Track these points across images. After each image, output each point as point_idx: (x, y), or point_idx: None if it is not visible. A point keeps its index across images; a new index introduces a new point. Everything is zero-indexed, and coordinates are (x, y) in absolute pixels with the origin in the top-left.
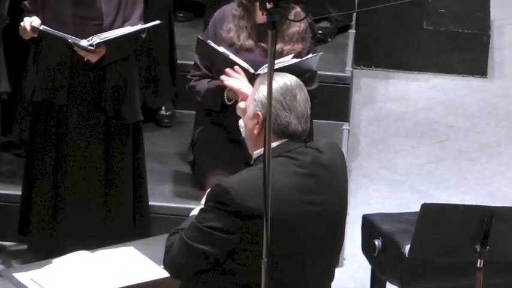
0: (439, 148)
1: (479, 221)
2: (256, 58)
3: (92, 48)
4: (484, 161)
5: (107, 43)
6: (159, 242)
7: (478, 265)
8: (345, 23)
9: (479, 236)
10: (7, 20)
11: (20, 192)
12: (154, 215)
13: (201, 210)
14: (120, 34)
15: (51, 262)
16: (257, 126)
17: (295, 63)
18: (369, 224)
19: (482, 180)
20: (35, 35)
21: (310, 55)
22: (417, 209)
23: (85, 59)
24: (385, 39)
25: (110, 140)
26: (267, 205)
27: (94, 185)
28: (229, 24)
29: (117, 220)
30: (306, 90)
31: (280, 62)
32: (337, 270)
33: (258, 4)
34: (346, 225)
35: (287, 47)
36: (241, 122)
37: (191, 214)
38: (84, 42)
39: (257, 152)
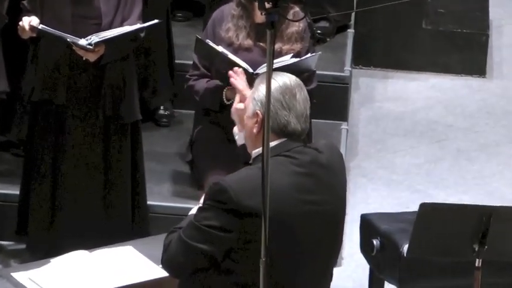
0: (438, 148)
1: (478, 221)
2: (255, 58)
3: (91, 47)
4: (483, 161)
5: (106, 42)
6: (158, 242)
7: (477, 264)
8: (343, 23)
9: (477, 235)
10: (6, 20)
11: (18, 192)
12: (153, 214)
13: (199, 209)
14: (119, 33)
15: (49, 262)
16: (256, 125)
17: (294, 62)
18: (367, 224)
19: (481, 179)
20: (34, 35)
21: (309, 55)
22: (416, 208)
23: (84, 59)
24: (384, 38)
25: (109, 139)
26: (265, 204)
27: (92, 185)
28: (228, 24)
29: (115, 219)
30: (305, 90)
31: (279, 62)
32: (336, 270)
33: (256, 4)
34: (345, 224)
35: (286, 47)
36: (235, 130)
37: (190, 213)
38: (82, 42)
39: (256, 151)
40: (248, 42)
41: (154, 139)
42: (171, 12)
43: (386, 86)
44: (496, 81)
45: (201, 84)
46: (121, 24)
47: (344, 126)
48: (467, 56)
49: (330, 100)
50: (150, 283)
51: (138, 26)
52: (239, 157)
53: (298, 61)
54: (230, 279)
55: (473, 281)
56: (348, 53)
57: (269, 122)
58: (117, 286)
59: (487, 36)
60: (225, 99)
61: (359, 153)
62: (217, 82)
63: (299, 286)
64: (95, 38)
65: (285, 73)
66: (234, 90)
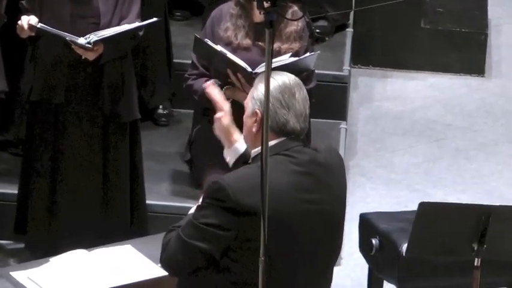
0: (437, 147)
1: (477, 220)
2: (253, 57)
3: (90, 46)
4: (482, 160)
5: (105, 41)
6: (157, 241)
7: (476, 264)
8: (342, 22)
9: (476, 234)
10: (4, 19)
11: (16, 191)
12: (152, 213)
13: (198, 208)
14: (118, 32)
15: (48, 261)
16: (255, 124)
17: (293, 62)
18: (366, 223)
19: (479, 179)
20: (33, 34)
21: (307, 54)
22: (414, 207)
23: (83, 57)
24: (383, 38)
25: (107, 138)
26: (264, 203)
27: (91, 184)
28: (227, 23)
29: (114, 219)
30: (305, 90)
31: (277, 61)
32: (335, 269)
33: (255, 3)
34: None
35: (284, 46)
36: (225, 154)
37: (189, 212)
38: (81, 40)
39: (255, 151)
40: (247, 42)
41: (153, 138)
42: (169, 11)
43: (385, 85)
44: (494, 81)
45: (200, 83)
46: (119, 24)
47: (343, 125)
48: (466, 55)
49: (329, 99)
50: (149, 282)
51: (137, 24)
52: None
53: (297, 60)
54: (229, 278)
55: (472, 280)
56: (347, 52)
57: (268, 121)
58: (116, 285)
59: (486, 35)
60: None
61: (358, 152)
62: (216, 81)
63: (298, 286)
64: (93, 37)
65: (285, 72)
66: (233, 89)
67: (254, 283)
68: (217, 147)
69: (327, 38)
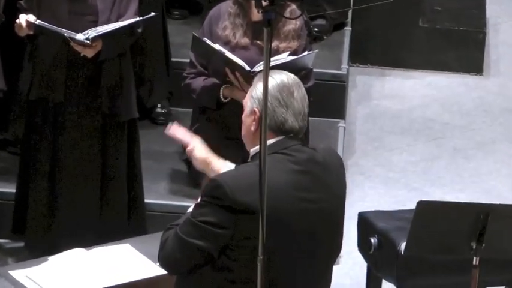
0: (435, 146)
1: (475, 219)
2: (252, 56)
3: (88, 42)
4: (480, 159)
5: (103, 37)
6: (155, 240)
7: (474, 262)
8: (340, 21)
9: (475, 233)
10: (2, 19)
11: (14, 190)
12: (150, 212)
13: (196, 206)
14: (116, 27)
15: (47, 259)
16: (254, 123)
17: (291, 60)
18: (365, 222)
19: (477, 177)
20: (31, 32)
21: (305, 53)
22: (413, 206)
23: (81, 55)
24: (381, 36)
25: (106, 137)
26: (262, 202)
27: (90, 183)
28: (225, 22)
29: (112, 218)
30: (303, 88)
31: (275, 60)
32: (333, 268)
33: (253, 2)
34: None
35: (283, 45)
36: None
37: (187, 211)
38: (80, 36)
39: (254, 149)
40: (245, 41)
41: (151, 137)
42: (167, 10)
43: (383, 84)
44: (492, 79)
45: (198, 82)
46: (117, 21)
47: (341, 124)
48: (464, 53)
49: (327, 98)
50: (148, 281)
51: (135, 19)
52: (237, 155)
53: (295, 59)
54: (227, 277)
55: (470, 279)
56: (345, 51)
57: (266, 120)
58: (114, 284)
59: (484, 34)
60: (222, 98)
61: (356, 151)
62: (214, 80)
63: (297, 285)
64: (92, 33)
65: (283, 71)
66: (231, 88)
67: (252, 281)
68: (216, 146)
69: (325, 37)
